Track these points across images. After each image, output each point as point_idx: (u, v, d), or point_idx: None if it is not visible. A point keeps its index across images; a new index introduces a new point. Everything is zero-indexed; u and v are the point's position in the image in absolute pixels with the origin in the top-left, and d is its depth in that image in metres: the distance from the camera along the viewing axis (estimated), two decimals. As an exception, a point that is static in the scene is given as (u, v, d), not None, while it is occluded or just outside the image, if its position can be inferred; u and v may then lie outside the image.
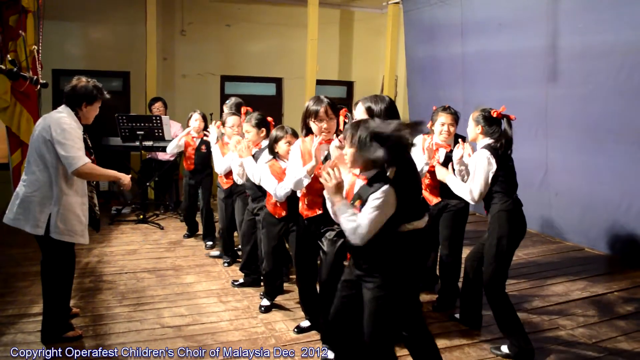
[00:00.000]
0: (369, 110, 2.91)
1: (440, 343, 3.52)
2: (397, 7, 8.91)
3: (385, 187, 2.33)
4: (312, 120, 3.17)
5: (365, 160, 2.34)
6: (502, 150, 3.40)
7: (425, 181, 4.10)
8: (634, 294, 4.53)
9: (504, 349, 3.40)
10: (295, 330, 3.69)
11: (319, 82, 8.56)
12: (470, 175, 3.46)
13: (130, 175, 3.64)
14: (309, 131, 3.27)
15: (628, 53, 5.17)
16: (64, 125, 3.21)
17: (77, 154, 3.19)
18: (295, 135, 3.72)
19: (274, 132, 3.77)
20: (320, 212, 3.28)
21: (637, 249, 5.36)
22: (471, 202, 3.57)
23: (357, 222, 2.35)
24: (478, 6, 7.06)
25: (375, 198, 2.33)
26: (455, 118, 4.02)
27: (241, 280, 4.54)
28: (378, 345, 2.46)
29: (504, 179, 3.40)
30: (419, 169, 3.87)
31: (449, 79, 7.68)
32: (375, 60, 9.81)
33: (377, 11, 9.58)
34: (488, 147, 3.42)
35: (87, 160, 3.24)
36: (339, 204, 2.43)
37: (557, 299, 4.39)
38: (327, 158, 3.13)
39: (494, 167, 3.36)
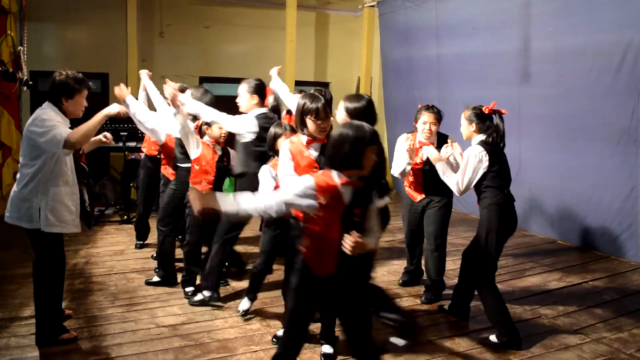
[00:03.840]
0: (347, 110, 3.21)
1: (431, 334, 3.69)
2: (372, 10, 9.08)
3: None
4: (311, 118, 3.09)
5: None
6: (495, 145, 3.56)
7: (410, 179, 4.25)
8: (607, 283, 4.78)
9: (493, 338, 3.56)
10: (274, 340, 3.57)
11: (296, 83, 8.65)
12: (461, 168, 3.60)
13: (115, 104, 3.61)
14: (303, 129, 3.16)
15: (597, 55, 5.44)
16: (43, 116, 3.19)
17: (55, 132, 3.12)
18: (293, 131, 3.61)
19: (273, 130, 3.67)
20: None
21: (608, 241, 5.63)
22: (456, 194, 3.71)
23: None
24: (452, 9, 7.27)
25: None
26: (438, 117, 4.13)
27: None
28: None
29: (496, 174, 3.54)
30: (400, 169, 4.05)
31: (424, 80, 7.88)
32: (350, 62, 9.98)
33: (352, 14, 9.75)
34: (482, 143, 3.57)
35: (67, 132, 3.15)
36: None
37: (536, 289, 4.60)
38: (321, 157, 3.10)
39: (485, 164, 3.51)
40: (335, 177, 2.41)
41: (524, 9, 6.17)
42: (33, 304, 3.83)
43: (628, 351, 3.47)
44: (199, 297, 4.13)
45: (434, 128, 4.12)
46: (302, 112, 3.13)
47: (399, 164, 4.12)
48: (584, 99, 5.65)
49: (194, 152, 4.07)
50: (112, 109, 3.51)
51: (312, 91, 3.50)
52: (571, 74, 5.74)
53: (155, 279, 4.54)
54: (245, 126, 3.93)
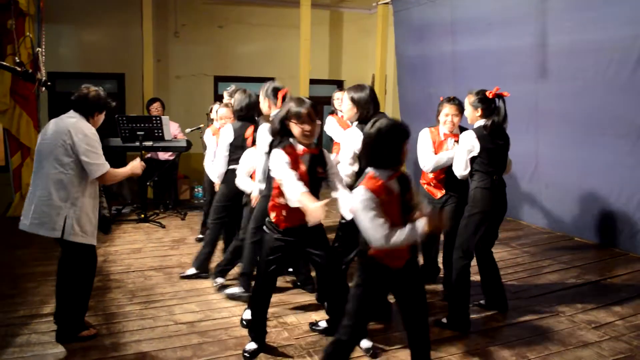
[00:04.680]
0: (352, 100, 3.28)
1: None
2: (386, 7, 9.05)
3: None
4: (295, 122, 2.96)
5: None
6: (496, 128, 3.65)
7: (430, 175, 4.23)
8: (626, 281, 4.72)
9: (444, 320, 3.72)
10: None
11: (311, 82, 8.67)
12: (456, 152, 3.79)
13: (137, 159, 3.76)
14: (285, 133, 3.03)
15: (615, 50, 5.36)
16: (85, 131, 3.29)
17: (100, 161, 3.32)
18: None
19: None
20: (302, 222, 2.89)
21: (626, 238, 5.56)
22: (459, 177, 3.84)
23: None
24: (468, 5, 7.22)
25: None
26: (460, 109, 4.12)
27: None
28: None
29: (486, 160, 3.66)
30: (432, 163, 4.03)
31: (439, 77, 7.84)
32: (364, 59, 9.97)
33: (366, 12, 9.73)
34: (479, 129, 3.68)
35: (108, 166, 3.37)
36: None
37: (554, 287, 4.56)
38: (311, 168, 3.03)
39: (476, 150, 3.65)
40: (378, 175, 2.54)
41: (540, 3, 6.11)
42: (53, 302, 3.87)
43: (648, 349, 3.44)
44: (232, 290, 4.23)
45: (456, 120, 4.12)
46: (285, 117, 3.01)
47: (430, 158, 4.08)
48: (602, 95, 5.58)
49: None
50: (136, 168, 3.69)
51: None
52: (588, 70, 5.67)
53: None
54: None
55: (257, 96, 4.32)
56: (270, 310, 3.41)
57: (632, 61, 5.23)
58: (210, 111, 5.91)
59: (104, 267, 4.94)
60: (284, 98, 3.85)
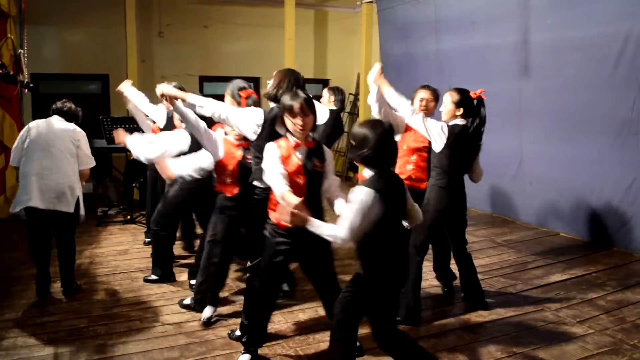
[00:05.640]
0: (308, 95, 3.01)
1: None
2: (371, 6, 9.06)
3: None
4: (287, 115, 2.91)
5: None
6: (474, 131, 3.65)
7: (409, 167, 4.14)
8: (610, 275, 4.79)
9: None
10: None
11: (297, 81, 8.66)
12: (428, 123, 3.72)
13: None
14: (287, 129, 2.99)
15: (597, 47, 5.43)
16: (83, 133, 4.31)
17: (92, 158, 4.36)
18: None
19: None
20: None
21: (609, 232, 5.64)
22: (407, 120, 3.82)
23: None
24: (451, 4, 7.28)
25: None
26: (435, 94, 4.12)
27: None
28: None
29: (447, 159, 3.67)
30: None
31: (424, 75, 7.86)
32: (349, 58, 10.00)
33: (351, 10, 9.75)
34: (453, 126, 3.66)
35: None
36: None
37: (539, 282, 4.61)
38: (308, 162, 2.94)
39: (440, 143, 3.65)
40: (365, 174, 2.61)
41: (522, 1, 6.17)
42: (40, 305, 4.05)
43: (631, 342, 3.49)
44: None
45: (431, 105, 4.09)
46: (282, 110, 2.96)
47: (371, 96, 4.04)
48: (584, 92, 5.65)
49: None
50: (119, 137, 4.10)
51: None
52: (571, 66, 5.74)
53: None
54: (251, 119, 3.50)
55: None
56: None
57: (613, 58, 5.30)
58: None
59: (90, 269, 4.91)
60: (247, 99, 3.78)
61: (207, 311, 3.84)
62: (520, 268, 4.99)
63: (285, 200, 2.71)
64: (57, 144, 4.08)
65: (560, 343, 3.48)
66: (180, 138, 4.12)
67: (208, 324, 3.77)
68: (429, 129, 3.68)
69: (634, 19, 5.10)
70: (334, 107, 4.78)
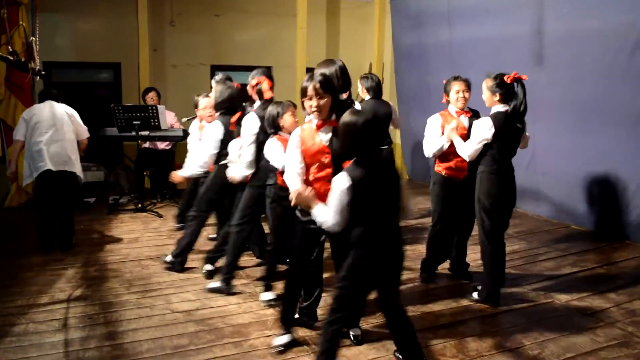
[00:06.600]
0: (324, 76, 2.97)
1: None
2: (384, -5, 9.00)
3: None
4: (302, 98, 2.94)
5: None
6: (514, 114, 3.67)
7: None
8: (622, 268, 4.75)
9: (475, 295, 3.96)
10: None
11: (307, 70, 8.63)
12: (471, 137, 3.81)
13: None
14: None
15: (612, 37, 5.34)
16: (75, 111, 5.28)
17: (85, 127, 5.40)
18: (295, 107, 3.68)
19: (275, 109, 3.64)
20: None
21: (622, 225, 5.58)
22: (466, 159, 3.88)
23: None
24: (464, -7, 7.19)
25: None
26: (468, 84, 4.15)
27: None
28: None
29: (497, 148, 3.73)
30: (436, 148, 4.09)
31: (436, 65, 7.81)
32: (361, 48, 9.91)
33: (363, 0, 9.67)
34: (495, 115, 3.70)
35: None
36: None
37: (550, 274, 4.58)
38: (333, 140, 2.95)
39: (489, 138, 3.68)
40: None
41: (537, -10, 6.08)
42: (51, 291, 4.06)
43: (642, 335, 3.46)
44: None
45: (467, 95, 4.13)
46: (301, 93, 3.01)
47: (435, 144, 4.12)
48: (599, 82, 5.56)
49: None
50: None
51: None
52: (586, 57, 5.65)
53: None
54: None
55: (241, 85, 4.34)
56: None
57: (629, 48, 5.21)
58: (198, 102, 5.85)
59: (101, 257, 4.95)
60: (256, 87, 3.95)
61: (269, 294, 3.96)
62: (530, 260, 4.96)
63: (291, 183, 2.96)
64: (58, 120, 5.06)
65: (570, 335, 3.45)
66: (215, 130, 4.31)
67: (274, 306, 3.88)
68: (480, 141, 3.74)
69: (650, 8, 5.01)
70: (368, 97, 4.72)
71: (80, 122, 5.28)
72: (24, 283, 4.27)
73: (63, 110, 5.14)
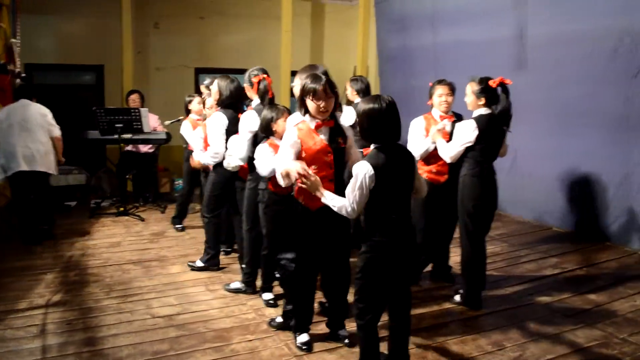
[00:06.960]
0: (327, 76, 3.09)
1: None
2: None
3: None
4: (310, 98, 3.00)
5: None
6: (500, 117, 3.70)
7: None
8: (602, 269, 4.79)
9: (457, 298, 3.95)
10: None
11: (292, 73, 8.62)
12: (453, 139, 3.83)
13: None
14: (307, 111, 3.09)
15: (594, 41, 5.40)
16: (47, 109, 5.42)
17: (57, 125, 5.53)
18: (289, 112, 3.67)
19: (270, 114, 3.63)
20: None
21: (603, 227, 5.62)
22: (447, 160, 3.91)
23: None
24: (448, -3, 7.24)
25: None
26: (452, 88, 4.16)
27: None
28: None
29: (480, 151, 3.74)
30: (422, 150, 4.09)
31: (421, 68, 7.86)
32: (346, 51, 9.94)
33: (348, 3, 9.71)
34: (479, 118, 3.71)
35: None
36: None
37: (531, 276, 4.61)
38: (332, 140, 3.07)
39: (472, 140, 3.70)
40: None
41: (520, -6, 6.15)
42: (29, 297, 4.00)
43: (621, 335, 3.48)
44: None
45: (450, 99, 4.15)
46: (303, 93, 3.06)
47: (420, 146, 4.12)
48: (580, 86, 5.62)
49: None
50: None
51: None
52: (567, 60, 5.71)
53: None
54: None
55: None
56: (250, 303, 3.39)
57: (608, 52, 5.28)
58: (190, 103, 5.84)
59: (81, 261, 4.90)
60: (258, 84, 3.95)
61: (269, 294, 4.01)
62: (512, 262, 4.98)
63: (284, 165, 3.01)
64: (31, 120, 5.26)
65: (550, 337, 3.47)
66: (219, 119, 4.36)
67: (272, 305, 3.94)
68: (464, 143, 3.76)
69: (630, 12, 5.07)
70: (358, 99, 4.73)
71: (53, 122, 5.43)
72: (2, 288, 4.20)
73: (36, 111, 5.30)
